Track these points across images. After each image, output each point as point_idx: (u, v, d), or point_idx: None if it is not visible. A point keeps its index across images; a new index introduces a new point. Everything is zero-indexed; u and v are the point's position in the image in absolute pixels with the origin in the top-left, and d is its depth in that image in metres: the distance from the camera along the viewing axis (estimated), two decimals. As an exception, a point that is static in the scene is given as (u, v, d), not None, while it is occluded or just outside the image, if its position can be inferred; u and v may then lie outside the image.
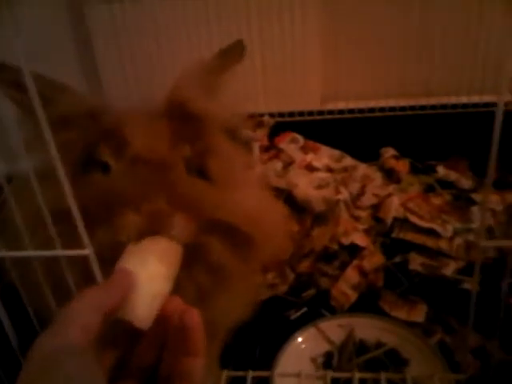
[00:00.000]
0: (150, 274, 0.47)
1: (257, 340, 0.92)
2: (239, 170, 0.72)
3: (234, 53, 0.74)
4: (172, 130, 0.61)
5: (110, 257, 0.51)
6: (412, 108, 1.43)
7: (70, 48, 1.50)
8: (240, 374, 0.68)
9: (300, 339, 0.90)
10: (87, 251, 0.51)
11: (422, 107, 1.42)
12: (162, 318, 0.45)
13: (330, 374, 0.67)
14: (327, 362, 0.87)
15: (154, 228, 0.53)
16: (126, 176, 0.57)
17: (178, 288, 0.51)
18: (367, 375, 0.69)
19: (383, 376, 0.66)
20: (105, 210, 0.55)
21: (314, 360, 0.88)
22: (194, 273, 0.59)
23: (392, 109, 1.44)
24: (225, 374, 0.68)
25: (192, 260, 0.58)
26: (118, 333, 0.43)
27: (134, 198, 0.55)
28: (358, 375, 0.67)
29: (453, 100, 1.41)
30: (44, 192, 0.52)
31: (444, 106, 1.42)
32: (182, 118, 0.62)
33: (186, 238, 0.55)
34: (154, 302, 0.45)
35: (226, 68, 0.71)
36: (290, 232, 0.94)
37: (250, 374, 0.67)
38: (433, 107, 1.42)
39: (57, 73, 0.62)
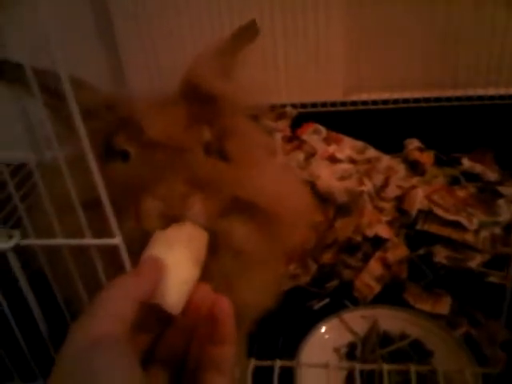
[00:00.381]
0: (177, 260, 0.47)
1: (280, 330, 0.92)
2: (261, 151, 0.71)
3: (247, 33, 0.73)
4: (188, 113, 0.61)
5: (136, 246, 0.52)
6: (437, 99, 1.41)
7: (91, 33, 1.51)
8: (267, 363, 0.68)
9: (323, 329, 0.90)
10: (117, 240, 0.51)
11: (448, 99, 1.40)
12: (191, 307, 0.45)
13: (358, 365, 0.67)
14: (350, 352, 0.87)
15: (172, 211, 0.53)
16: (143, 162, 0.58)
17: (204, 275, 0.51)
18: (395, 367, 0.68)
19: (412, 368, 0.66)
20: (126, 199, 0.56)
21: (337, 350, 0.88)
22: (220, 259, 0.59)
23: (416, 100, 1.42)
24: (252, 363, 0.68)
25: (216, 246, 0.58)
26: (148, 319, 0.43)
27: (152, 184, 0.55)
28: (386, 367, 0.67)
29: (479, 91, 1.38)
30: (72, 181, 0.52)
31: (470, 98, 1.39)
32: (198, 100, 0.62)
33: (205, 219, 0.55)
34: (184, 287, 0.46)
35: (239, 48, 0.70)
36: (314, 215, 0.91)
37: (278, 363, 0.67)
38: (458, 99, 1.40)
39: (77, 58, 0.62)
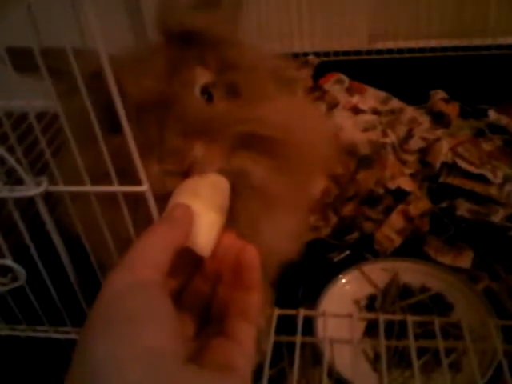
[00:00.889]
0: (204, 204, 0.48)
1: (299, 281, 0.93)
2: (272, 82, 0.66)
3: None
4: (172, 58, 0.57)
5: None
6: (465, 48, 1.36)
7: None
8: (291, 312, 0.69)
9: (344, 281, 0.90)
10: (144, 187, 0.51)
11: (476, 48, 1.36)
12: (217, 254, 0.46)
13: (382, 316, 0.68)
14: (370, 304, 0.88)
15: (177, 168, 0.52)
16: (135, 126, 0.52)
17: (230, 220, 0.51)
18: (420, 318, 0.69)
19: (436, 320, 0.66)
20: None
21: (356, 302, 0.89)
22: (243, 201, 0.58)
23: (444, 49, 1.37)
24: (276, 312, 0.69)
25: (238, 187, 0.56)
26: (178, 263, 0.43)
27: (147, 147, 0.52)
28: (410, 318, 0.67)
29: (510, 40, 1.33)
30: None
31: (500, 47, 1.34)
32: (182, 41, 0.58)
33: (214, 164, 0.54)
34: (213, 230, 0.46)
35: None
36: (333, 151, 0.86)
37: (302, 312, 0.68)
38: (487, 48, 1.35)
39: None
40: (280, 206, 0.63)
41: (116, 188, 0.52)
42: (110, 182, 0.52)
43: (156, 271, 0.38)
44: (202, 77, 0.58)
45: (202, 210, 0.47)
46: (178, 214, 0.44)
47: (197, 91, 0.58)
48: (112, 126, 0.51)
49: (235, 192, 0.55)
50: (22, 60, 0.52)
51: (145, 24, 1.46)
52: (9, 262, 0.60)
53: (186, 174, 0.52)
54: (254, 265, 0.44)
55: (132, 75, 0.55)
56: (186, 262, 0.46)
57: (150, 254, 0.39)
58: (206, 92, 0.58)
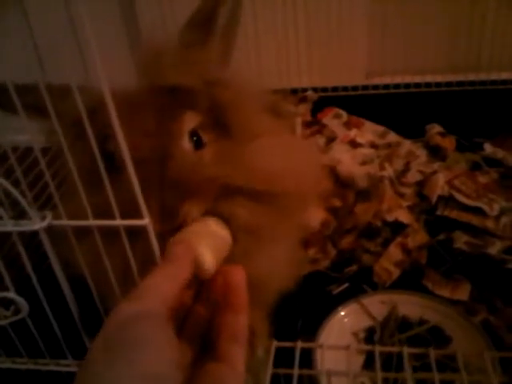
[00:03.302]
0: (212, 231, 0.53)
1: (299, 313, 0.93)
2: (261, 119, 0.68)
3: None
4: (160, 107, 0.58)
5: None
6: (460, 84, 1.40)
7: (120, 41, 1.51)
8: (289, 344, 0.69)
9: (342, 313, 0.91)
10: (146, 221, 0.52)
11: (471, 83, 1.39)
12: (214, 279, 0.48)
13: (378, 348, 0.68)
14: (369, 337, 0.88)
15: (170, 226, 0.55)
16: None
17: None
18: (416, 350, 0.69)
19: (432, 352, 0.66)
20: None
21: (355, 334, 0.89)
22: (234, 237, 0.59)
23: (438, 84, 1.41)
24: (274, 344, 0.70)
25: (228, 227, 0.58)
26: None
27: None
28: (406, 350, 0.67)
29: (503, 75, 1.37)
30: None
31: (493, 82, 1.38)
32: (167, 90, 0.59)
33: (202, 211, 0.57)
34: (218, 254, 0.50)
35: (213, 14, 0.65)
36: (323, 186, 0.90)
37: (299, 344, 0.68)
38: (482, 83, 1.38)
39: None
40: (269, 237, 0.65)
41: (118, 222, 0.54)
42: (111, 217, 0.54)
43: (161, 304, 0.40)
44: (191, 122, 0.60)
45: (210, 235, 0.53)
46: (180, 252, 0.46)
47: (185, 139, 0.60)
48: (110, 166, 0.53)
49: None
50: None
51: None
52: (12, 294, 0.61)
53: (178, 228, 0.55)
54: (240, 285, 0.45)
55: (123, 130, 0.55)
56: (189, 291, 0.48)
57: (157, 289, 0.41)
58: (195, 135, 0.60)
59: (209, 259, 0.49)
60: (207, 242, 0.52)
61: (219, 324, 0.45)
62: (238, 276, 0.46)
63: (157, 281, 0.42)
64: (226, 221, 0.58)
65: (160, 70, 0.59)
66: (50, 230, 0.58)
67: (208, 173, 0.58)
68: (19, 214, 0.59)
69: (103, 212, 0.54)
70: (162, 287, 0.42)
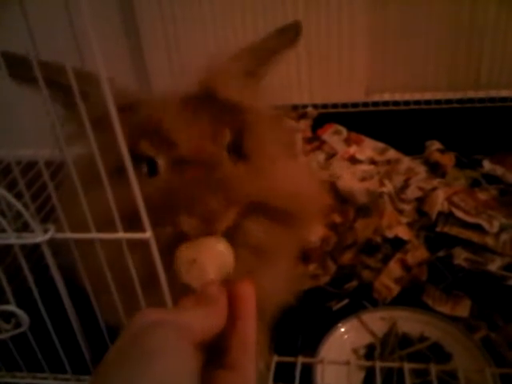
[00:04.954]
0: (216, 250, 0.54)
1: (299, 329, 0.93)
2: (278, 146, 0.70)
3: (288, 34, 0.70)
4: (211, 119, 0.60)
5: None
6: (459, 101, 1.41)
7: (118, 39, 1.53)
8: (289, 359, 0.69)
9: (343, 330, 0.90)
10: (148, 235, 0.52)
11: (470, 100, 1.40)
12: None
13: (379, 364, 0.68)
14: (369, 353, 0.88)
15: (207, 228, 0.56)
16: (176, 179, 0.58)
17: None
18: (416, 366, 0.69)
19: (433, 368, 0.66)
20: (156, 212, 0.56)
21: (355, 351, 0.88)
22: (240, 256, 0.60)
23: (438, 101, 1.42)
24: (275, 359, 0.69)
25: (235, 242, 0.59)
26: None
27: (187, 202, 0.56)
28: (407, 366, 0.67)
29: (502, 93, 1.38)
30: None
31: (492, 99, 1.39)
32: (218, 103, 0.61)
33: (229, 224, 0.58)
34: (220, 273, 0.52)
35: (277, 50, 0.68)
36: (328, 210, 0.92)
37: (300, 360, 0.68)
38: (481, 100, 1.40)
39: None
40: (275, 256, 0.66)
41: (121, 235, 0.54)
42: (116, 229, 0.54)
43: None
44: (228, 137, 0.62)
45: (213, 254, 0.55)
46: (214, 293, 0.47)
47: (225, 152, 0.62)
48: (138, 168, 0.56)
49: (231, 243, 0.58)
50: (19, 69, 0.54)
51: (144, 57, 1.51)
52: (13, 307, 0.61)
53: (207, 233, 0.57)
54: (250, 297, 0.47)
55: (180, 126, 0.59)
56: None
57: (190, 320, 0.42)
58: (228, 151, 0.62)
59: (203, 279, 0.52)
60: (212, 260, 0.54)
61: (229, 333, 0.46)
62: (248, 289, 0.47)
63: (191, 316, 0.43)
64: (239, 235, 0.60)
65: (222, 85, 0.61)
66: (52, 242, 0.58)
67: (245, 187, 0.60)
68: (21, 226, 0.59)
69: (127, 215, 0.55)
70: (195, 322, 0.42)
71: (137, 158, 0.58)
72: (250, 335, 0.46)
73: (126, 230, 0.54)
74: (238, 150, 0.63)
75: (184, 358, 0.38)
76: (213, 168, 0.58)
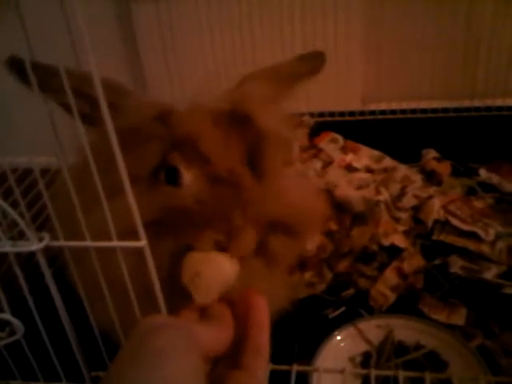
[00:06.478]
0: (222, 267, 0.56)
1: (295, 337, 0.93)
2: (283, 161, 0.70)
3: (313, 63, 0.71)
4: (240, 139, 0.61)
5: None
6: (455, 110, 1.41)
7: (115, 45, 1.54)
8: (284, 367, 0.69)
9: (339, 338, 0.90)
10: (143, 243, 0.52)
11: (466, 109, 1.41)
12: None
13: (374, 372, 0.68)
14: (365, 361, 0.88)
15: (228, 244, 0.57)
16: (204, 193, 0.58)
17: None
18: (411, 374, 0.69)
19: (428, 376, 0.66)
20: (179, 223, 0.57)
21: (352, 359, 0.89)
22: (250, 265, 0.61)
23: (434, 110, 1.43)
24: (269, 366, 0.69)
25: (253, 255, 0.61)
26: None
27: (214, 217, 0.57)
28: (402, 374, 0.67)
29: (498, 102, 1.39)
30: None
31: (489, 109, 1.40)
32: (245, 126, 0.61)
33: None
34: (221, 289, 0.54)
35: (299, 79, 0.68)
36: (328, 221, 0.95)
37: (295, 368, 0.68)
38: (477, 109, 1.40)
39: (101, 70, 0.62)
40: (280, 264, 0.67)
41: (115, 243, 0.54)
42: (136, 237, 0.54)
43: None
44: (245, 155, 0.62)
45: (216, 267, 0.56)
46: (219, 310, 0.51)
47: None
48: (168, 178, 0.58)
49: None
50: (46, 78, 0.53)
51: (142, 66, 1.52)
52: (8, 316, 0.61)
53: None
54: (262, 306, 0.51)
55: (216, 146, 0.59)
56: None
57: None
58: None
59: (207, 297, 0.54)
60: (216, 277, 0.56)
61: (244, 338, 0.48)
62: (261, 299, 0.51)
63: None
64: (263, 251, 0.61)
65: (260, 113, 0.61)
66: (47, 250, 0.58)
67: (266, 207, 0.60)
68: (16, 234, 0.60)
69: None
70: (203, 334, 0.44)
71: (164, 167, 0.59)
72: (264, 343, 0.48)
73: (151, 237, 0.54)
74: (253, 169, 0.63)
75: (193, 358, 0.40)
76: (242, 188, 0.59)
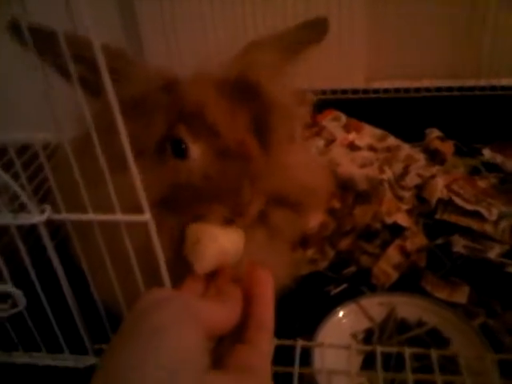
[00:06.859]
0: (216, 233, 0.56)
1: (296, 313, 0.93)
2: (288, 134, 0.70)
3: (315, 30, 0.70)
4: (247, 110, 0.60)
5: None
6: (460, 89, 1.40)
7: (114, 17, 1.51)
8: (289, 342, 0.69)
9: (341, 314, 0.90)
10: (147, 217, 0.52)
11: (471, 88, 1.39)
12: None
13: (380, 348, 0.68)
14: (367, 338, 0.88)
15: (236, 217, 0.57)
16: (212, 166, 0.58)
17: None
18: (417, 351, 0.69)
19: (434, 353, 0.66)
20: (187, 198, 0.57)
21: (354, 336, 0.88)
22: (258, 240, 0.62)
23: (438, 89, 1.41)
24: (274, 341, 0.69)
25: (256, 228, 0.61)
26: None
27: (222, 192, 0.56)
28: (408, 351, 0.67)
29: (503, 81, 1.37)
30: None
31: (494, 88, 1.38)
32: (251, 95, 0.60)
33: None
34: (218, 258, 0.54)
35: (303, 46, 0.67)
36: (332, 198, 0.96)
37: (299, 343, 0.68)
38: (482, 89, 1.39)
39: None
40: (281, 237, 0.67)
41: (119, 217, 0.53)
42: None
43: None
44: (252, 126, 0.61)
45: (218, 237, 0.56)
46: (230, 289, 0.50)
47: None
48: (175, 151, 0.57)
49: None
50: (45, 42, 0.51)
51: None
52: (10, 287, 0.60)
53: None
54: (267, 281, 0.50)
55: (224, 117, 0.58)
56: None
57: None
58: None
59: (204, 264, 0.54)
60: (213, 247, 0.55)
61: (248, 313, 0.48)
62: (266, 274, 0.50)
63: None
64: (266, 224, 0.62)
65: (266, 81, 0.60)
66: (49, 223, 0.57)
67: (272, 179, 0.60)
68: (17, 208, 0.59)
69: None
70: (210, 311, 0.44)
71: (169, 139, 0.59)
72: (268, 317, 0.48)
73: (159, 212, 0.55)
74: (259, 140, 0.62)
75: (194, 332, 0.39)
76: (250, 160, 0.58)
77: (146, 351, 0.36)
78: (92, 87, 0.53)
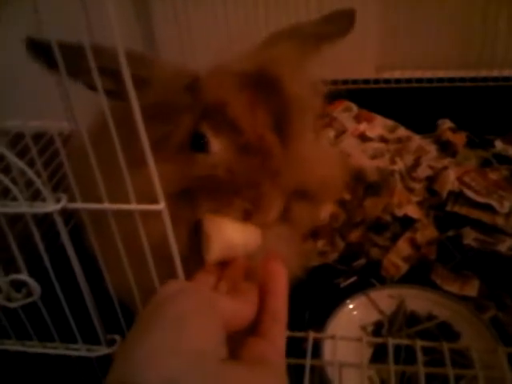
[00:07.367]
0: (223, 225, 0.56)
1: (306, 305, 0.93)
2: (307, 128, 0.68)
3: (341, 23, 0.67)
4: (267, 106, 0.59)
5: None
6: (472, 79, 1.39)
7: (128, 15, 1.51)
8: (300, 334, 0.69)
9: (351, 306, 0.90)
10: (161, 206, 0.51)
11: (484, 79, 1.38)
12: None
13: (392, 341, 0.68)
14: (377, 330, 0.88)
15: (256, 213, 0.57)
16: (232, 162, 0.58)
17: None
18: (429, 344, 0.69)
19: (445, 346, 0.66)
20: (207, 191, 0.57)
21: (363, 328, 0.89)
22: (274, 230, 0.61)
23: (451, 79, 1.40)
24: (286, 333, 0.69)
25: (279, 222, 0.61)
26: None
27: (243, 186, 0.57)
28: (419, 343, 0.67)
29: (516, 72, 1.36)
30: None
31: (506, 79, 1.37)
32: (272, 90, 0.59)
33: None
34: (225, 249, 0.55)
35: (327, 39, 0.65)
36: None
37: (311, 335, 0.68)
38: (495, 79, 1.37)
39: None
40: (299, 231, 0.68)
41: (133, 206, 0.53)
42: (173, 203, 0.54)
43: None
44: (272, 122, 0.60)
45: (231, 231, 0.57)
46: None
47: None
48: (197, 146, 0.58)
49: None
50: (70, 60, 0.48)
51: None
52: (24, 276, 0.60)
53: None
54: (281, 274, 0.50)
55: (246, 114, 0.58)
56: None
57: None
58: None
59: (211, 255, 0.55)
60: (222, 241, 0.56)
61: (262, 306, 0.48)
62: (280, 267, 0.50)
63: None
64: (288, 219, 0.61)
65: (288, 77, 0.59)
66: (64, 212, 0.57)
67: (292, 175, 0.59)
68: (32, 195, 0.58)
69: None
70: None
71: (191, 134, 0.59)
72: (282, 310, 0.48)
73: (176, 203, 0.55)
74: (278, 135, 0.61)
75: (214, 323, 0.40)
76: (270, 156, 0.57)
77: (167, 339, 0.37)
78: (114, 94, 0.52)
